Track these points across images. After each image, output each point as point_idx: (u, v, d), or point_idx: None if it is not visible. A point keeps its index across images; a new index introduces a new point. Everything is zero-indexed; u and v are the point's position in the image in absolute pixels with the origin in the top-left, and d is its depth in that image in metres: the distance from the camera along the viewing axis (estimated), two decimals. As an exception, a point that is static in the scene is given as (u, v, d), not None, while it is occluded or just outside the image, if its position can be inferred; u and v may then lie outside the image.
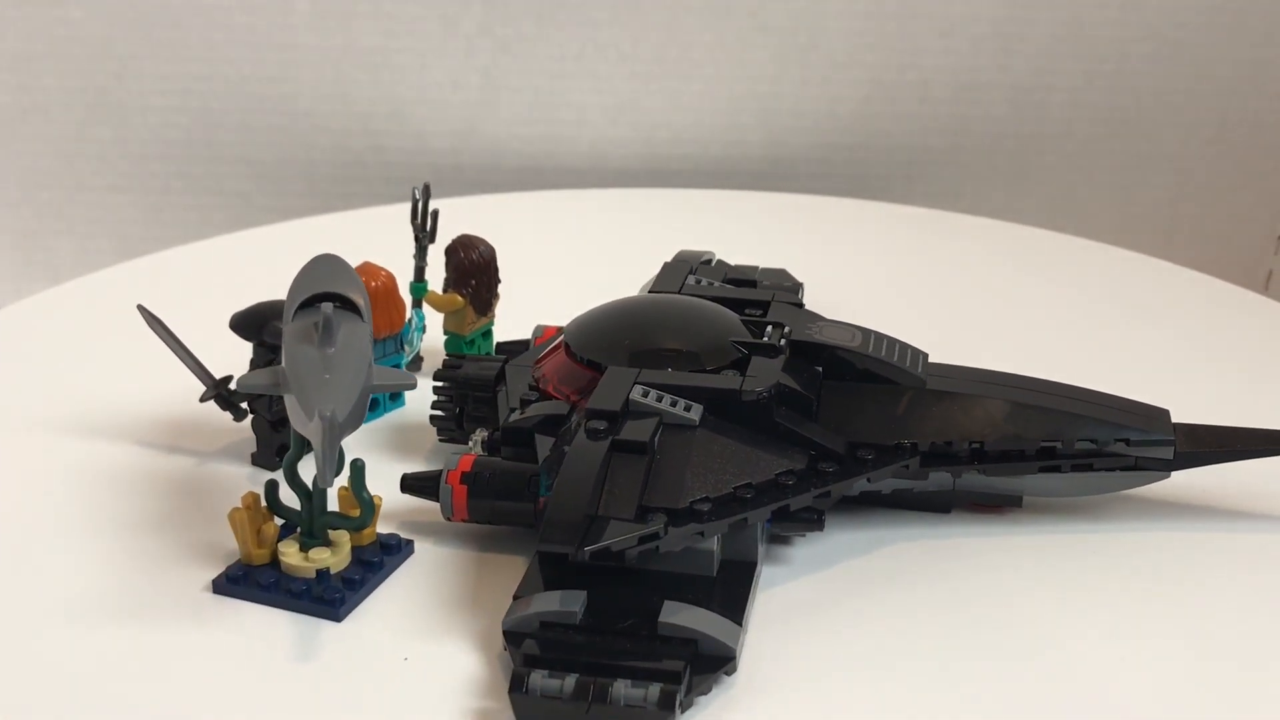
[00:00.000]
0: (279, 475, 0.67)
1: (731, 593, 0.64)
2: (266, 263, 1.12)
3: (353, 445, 0.77)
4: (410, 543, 0.69)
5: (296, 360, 0.62)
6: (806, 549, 0.71)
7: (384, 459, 0.79)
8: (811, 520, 0.67)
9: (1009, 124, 1.41)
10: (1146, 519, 0.74)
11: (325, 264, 0.68)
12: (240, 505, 0.66)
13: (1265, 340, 0.98)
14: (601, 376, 0.70)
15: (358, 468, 0.66)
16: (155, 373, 0.83)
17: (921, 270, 1.12)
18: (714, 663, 0.59)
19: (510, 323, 0.90)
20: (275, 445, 0.76)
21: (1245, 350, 0.96)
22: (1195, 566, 0.70)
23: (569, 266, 1.11)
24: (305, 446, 0.65)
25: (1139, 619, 0.66)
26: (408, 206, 0.89)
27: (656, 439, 0.65)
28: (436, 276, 0.88)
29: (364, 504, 0.66)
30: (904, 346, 0.74)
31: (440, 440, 0.79)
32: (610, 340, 0.73)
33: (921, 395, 0.71)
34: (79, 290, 1.06)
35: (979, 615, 0.66)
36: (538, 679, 0.57)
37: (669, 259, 0.92)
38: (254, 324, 0.75)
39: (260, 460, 0.77)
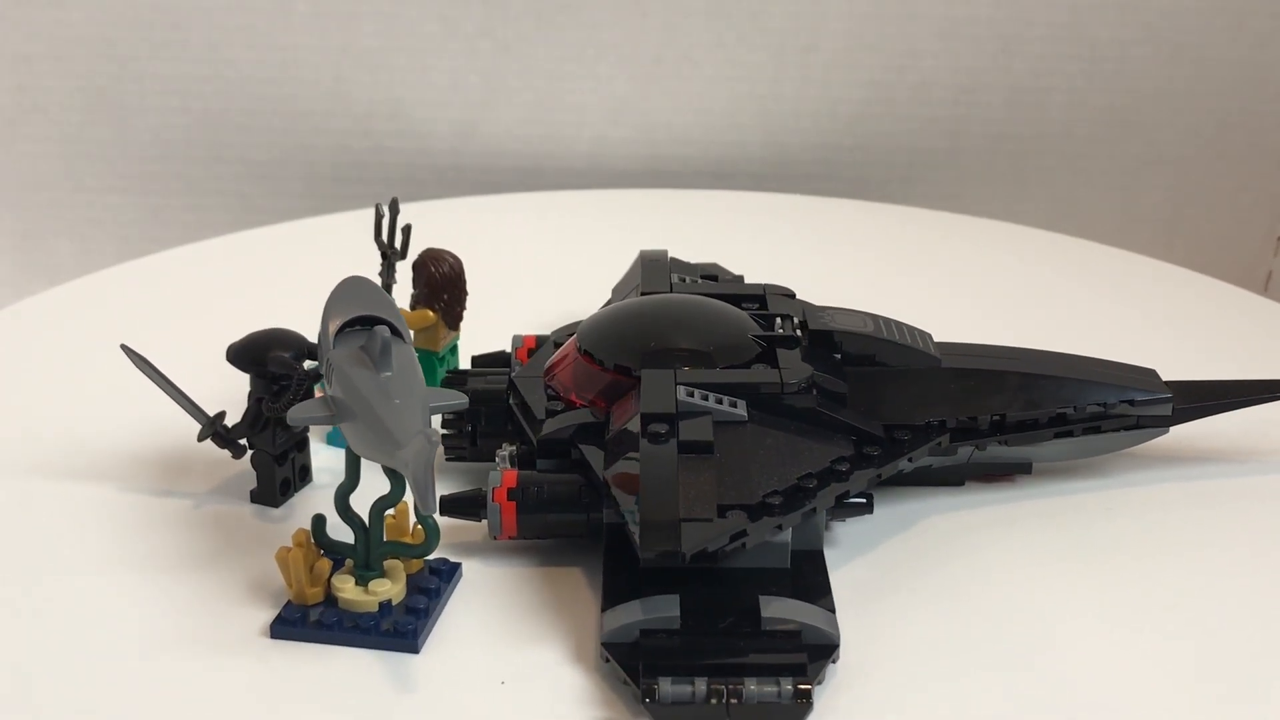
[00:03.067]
0: (321, 509, 0.65)
1: (812, 582, 0.65)
2: (266, 263, 1.12)
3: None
4: (459, 565, 0.67)
5: (360, 387, 0.60)
6: (847, 531, 0.72)
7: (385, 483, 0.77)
8: (862, 504, 0.69)
9: (1008, 125, 1.41)
10: (1149, 471, 0.79)
11: (355, 286, 0.66)
12: (291, 544, 0.63)
13: (1265, 341, 0.98)
14: (627, 381, 0.70)
15: None
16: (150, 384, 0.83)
17: (921, 271, 1.12)
18: (821, 652, 0.60)
19: (480, 335, 0.87)
20: (279, 480, 0.74)
21: (1245, 351, 0.96)
22: (1204, 509, 0.75)
23: (564, 268, 1.11)
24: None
25: (1162, 562, 0.70)
26: (408, 207, 0.88)
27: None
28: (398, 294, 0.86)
29: (429, 529, 0.63)
30: (910, 328, 0.76)
31: (448, 460, 0.77)
32: (636, 344, 0.73)
33: (940, 374, 0.74)
34: (79, 291, 1.06)
35: (1033, 576, 0.69)
36: (668, 686, 0.57)
37: (635, 261, 0.92)
38: (254, 354, 0.72)
39: (261, 497, 0.74)
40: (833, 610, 0.62)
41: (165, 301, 1.04)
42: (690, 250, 1.00)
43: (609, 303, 0.90)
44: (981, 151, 1.42)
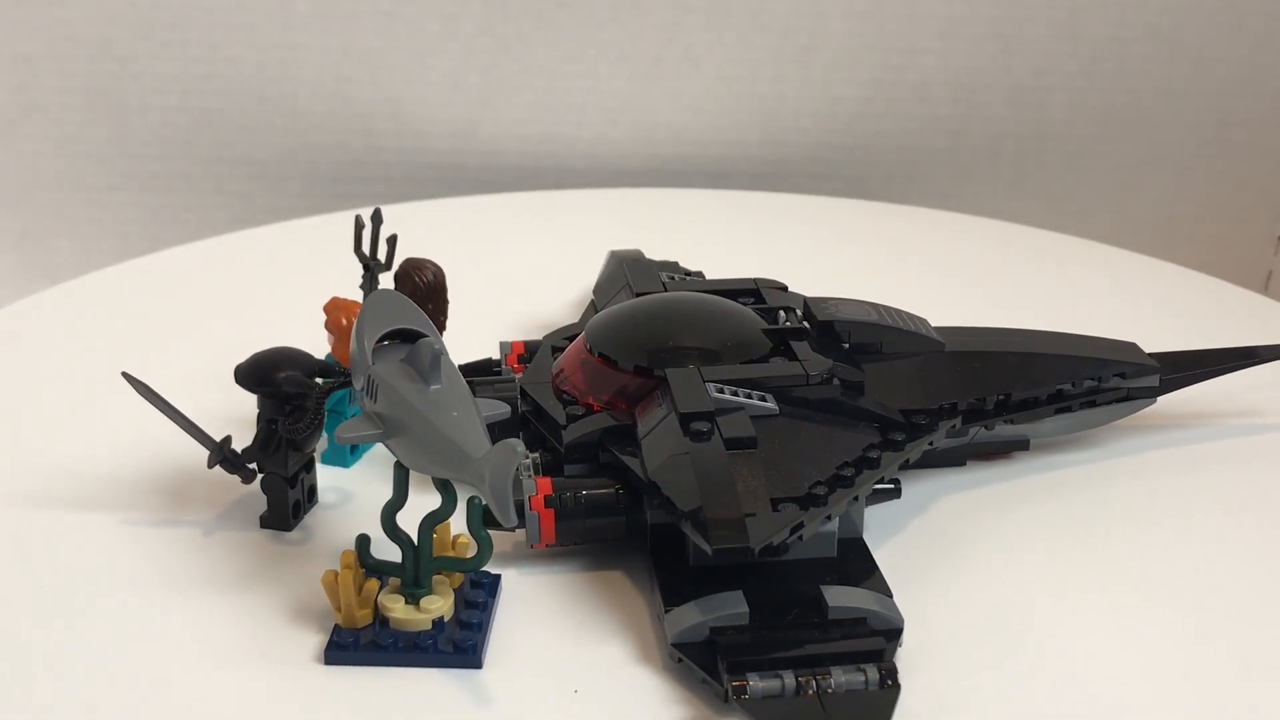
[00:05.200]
0: (335, 529, 0.64)
1: (862, 568, 0.66)
2: (266, 263, 1.12)
3: (360, 485, 0.76)
4: (499, 576, 0.67)
5: (413, 401, 0.59)
6: (871, 516, 0.73)
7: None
8: (892, 489, 0.70)
9: (1008, 124, 1.41)
10: (1135, 440, 0.82)
11: (387, 300, 0.65)
12: (328, 568, 0.62)
13: (1265, 340, 0.98)
14: (648, 381, 0.71)
15: (476, 505, 0.61)
16: (149, 377, 0.81)
17: (921, 270, 1.12)
18: (889, 636, 0.61)
19: (455, 341, 0.85)
20: (291, 503, 0.71)
21: (1245, 350, 0.96)
22: (1193, 473, 0.80)
23: (563, 268, 1.11)
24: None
25: (1166, 525, 0.74)
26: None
27: None
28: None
29: (482, 542, 0.62)
30: (909, 314, 0.78)
31: None
32: (653, 344, 0.73)
33: (946, 358, 0.76)
34: (78, 290, 1.06)
35: (1056, 547, 0.72)
36: (757, 682, 0.57)
37: (609, 261, 0.93)
38: (262, 374, 0.70)
39: (272, 522, 0.72)
40: (890, 594, 0.63)
41: (165, 301, 1.04)
42: (692, 250, 1.00)
43: (591, 304, 0.90)
44: (981, 151, 1.42)
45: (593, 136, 1.40)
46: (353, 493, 0.75)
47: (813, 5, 1.35)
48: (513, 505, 0.55)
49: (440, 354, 0.60)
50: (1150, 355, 0.81)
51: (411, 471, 0.62)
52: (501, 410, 0.62)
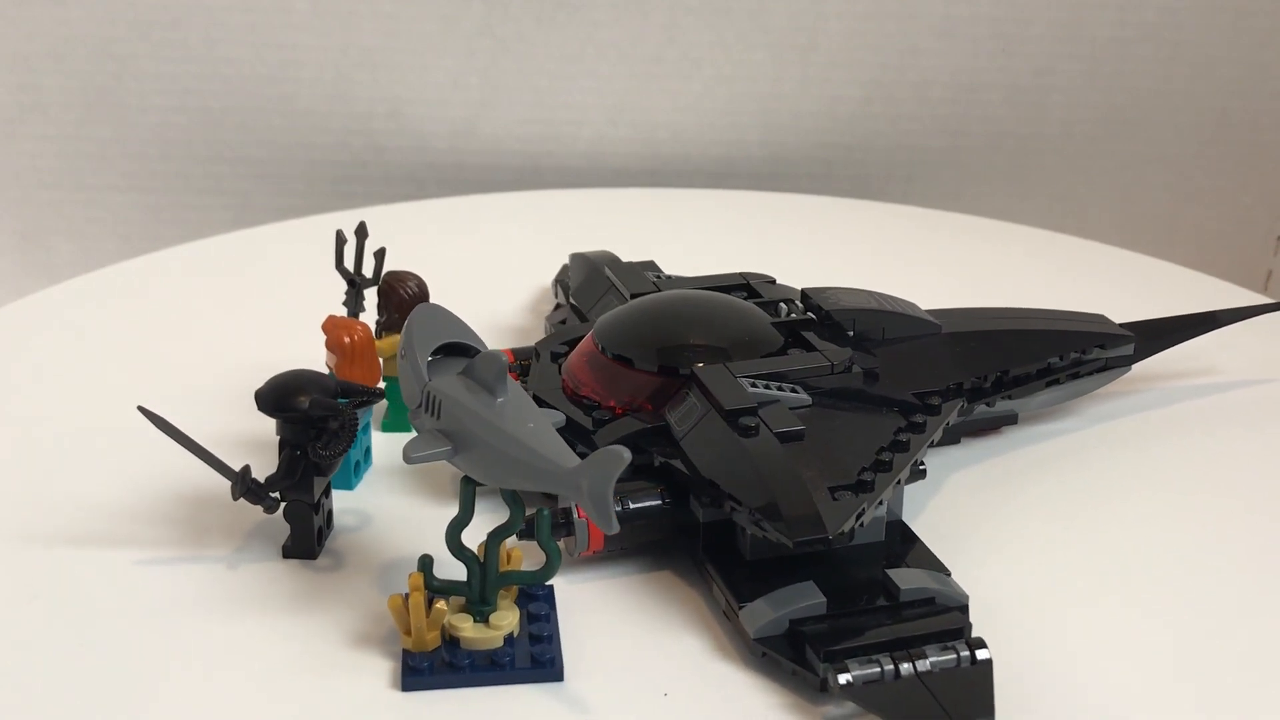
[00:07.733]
0: (361, 553, 0.63)
1: (912, 549, 0.67)
2: (266, 262, 1.12)
3: (370, 506, 0.75)
4: (552, 586, 0.65)
5: (483, 414, 0.58)
6: None
7: (414, 510, 0.74)
8: (919, 472, 0.70)
9: (1008, 124, 1.41)
10: (1112, 404, 0.87)
11: (432, 314, 0.64)
12: (409, 589, 0.60)
13: (1265, 340, 0.98)
14: (672, 381, 0.71)
15: (545, 517, 0.61)
16: (150, 379, 0.80)
17: (921, 271, 1.12)
18: (963, 612, 0.62)
19: None
20: (316, 530, 0.69)
21: (1245, 350, 0.96)
22: (1179, 436, 0.84)
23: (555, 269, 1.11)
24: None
25: (1157, 478, 0.79)
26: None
27: None
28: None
29: (551, 553, 0.60)
30: (902, 300, 0.80)
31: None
32: (671, 343, 0.73)
33: (944, 339, 0.78)
34: (78, 289, 1.06)
35: (1077, 510, 0.75)
36: (857, 669, 0.57)
37: (578, 263, 0.93)
38: (284, 398, 0.67)
39: (296, 551, 0.69)
40: (947, 572, 0.65)
41: (165, 301, 1.04)
42: (691, 250, 1.00)
43: (573, 308, 0.90)
44: (982, 150, 1.42)
45: (593, 136, 1.40)
46: (367, 514, 0.74)
47: (813, 5, 1.35)
48: (613, 512, 0.54)
49: (506, 365, 0.59)
50: (1121, 325, 0.84)
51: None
52: (558, 418, 0.62)
